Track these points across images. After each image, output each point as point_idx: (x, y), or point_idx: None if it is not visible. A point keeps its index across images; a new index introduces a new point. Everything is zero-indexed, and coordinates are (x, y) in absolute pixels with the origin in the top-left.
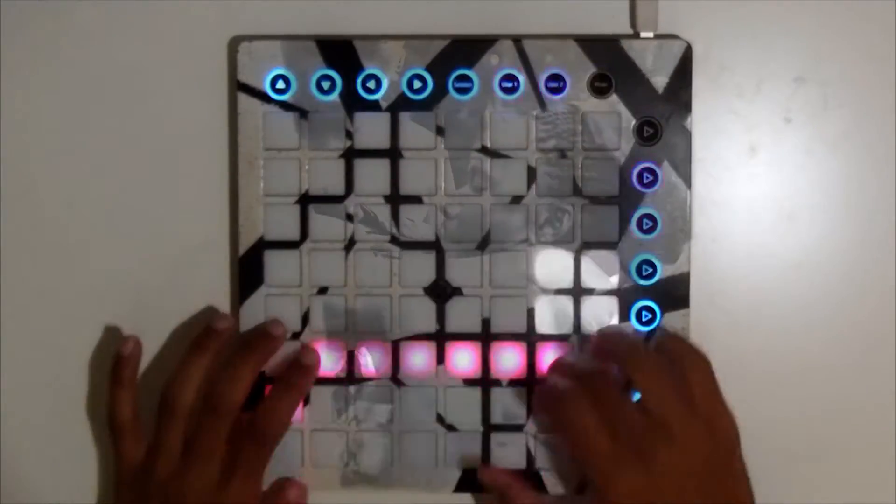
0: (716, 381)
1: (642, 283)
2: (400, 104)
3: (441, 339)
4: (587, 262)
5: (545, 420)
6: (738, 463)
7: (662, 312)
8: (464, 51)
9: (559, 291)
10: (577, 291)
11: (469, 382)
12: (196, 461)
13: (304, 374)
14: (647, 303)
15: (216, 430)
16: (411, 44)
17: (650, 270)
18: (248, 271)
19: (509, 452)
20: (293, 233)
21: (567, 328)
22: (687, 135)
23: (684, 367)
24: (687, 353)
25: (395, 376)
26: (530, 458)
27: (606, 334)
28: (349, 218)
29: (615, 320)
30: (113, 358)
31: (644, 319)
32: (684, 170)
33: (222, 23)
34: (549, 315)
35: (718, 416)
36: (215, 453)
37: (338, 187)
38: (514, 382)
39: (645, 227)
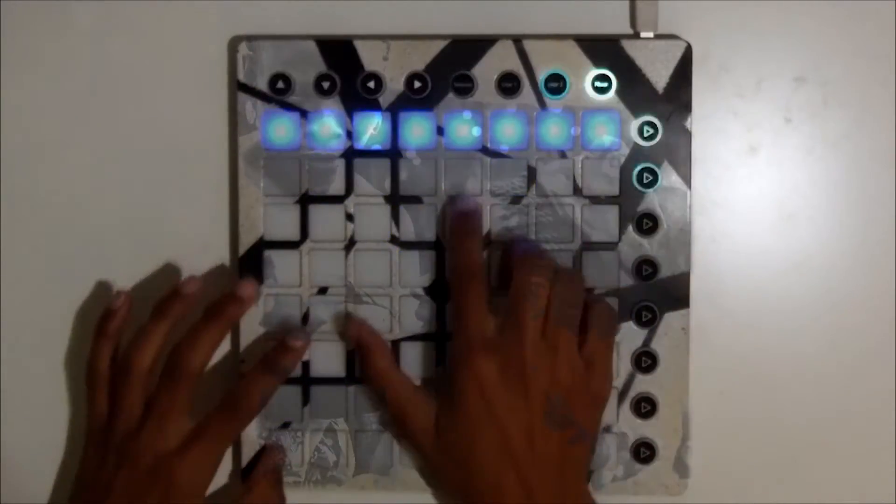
0: (613, 336)
1: (642, 283)
2: (400, 104)
3: (441, 339)
4: (587, 262)
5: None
6: (598, 412)
7: (662, 312)
8: (464, 51)
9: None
10: None
11: None
12: (153, 422)
13: (236, 307)
14: (647, 303)
15: (175, 393)
16: (411, 44)
17: (650, 270)
18: (248, 271)
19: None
20: (293, 233)
21: None
22: (687, 135)
23: (595, 318)
24: (606, 310)
25: None
26: None
27: (532, 246)
28: (349, 218)
29: (615, 320)
30: (102, 311)
31: (644, 319)
32: (684, 170)
33: (222, 23)
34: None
35: (600, 367)
36: (172, 416)
37: (338, 187)
38: None
39: (645, 227)
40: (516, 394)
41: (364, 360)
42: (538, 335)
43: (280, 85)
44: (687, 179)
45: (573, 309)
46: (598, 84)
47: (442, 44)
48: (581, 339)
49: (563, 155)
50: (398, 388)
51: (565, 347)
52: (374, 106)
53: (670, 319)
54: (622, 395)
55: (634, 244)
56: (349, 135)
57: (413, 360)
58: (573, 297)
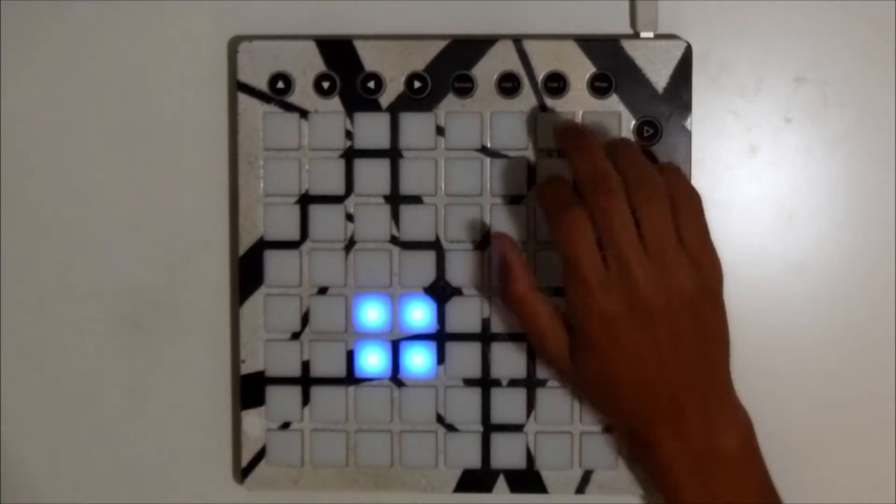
0: (706, 222)
1: None
2: (400, 104)
3: (441, 339)
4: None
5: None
6: (719, 304)
7: None
8: (464, 51)
9: (559, 291)
10: None
11: (469, 382)
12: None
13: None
14: None
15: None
16: (411, 44)
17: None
18: (248, 271)
19: (509, 452)
20: (293, 233)
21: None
22: (687, 135)
23: (678, 202)
24: (684, 189)
25: (395, 376)
26: (530, 458)
27: (614, 144)
28: (349, 218)
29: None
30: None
31: None
32: (684, 170)
33: (222, 23)
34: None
35: (706, 255)
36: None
37: (338, 187)
38: (514, 382)
39: None
40: (644, 321)
41: (504, 279)
42: (644, 260)
43: (280, 85)
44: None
45: (664, 223)
46: (598, 84)
47: (442, 44)
48: (677, 228)
49: (563, 155)
50: (535, 316)
51: (672, 258)
52: (374, 106)
53: None
54: None
55: None
56: (349, 135)
57: (413, 360)
58: (659, 209)
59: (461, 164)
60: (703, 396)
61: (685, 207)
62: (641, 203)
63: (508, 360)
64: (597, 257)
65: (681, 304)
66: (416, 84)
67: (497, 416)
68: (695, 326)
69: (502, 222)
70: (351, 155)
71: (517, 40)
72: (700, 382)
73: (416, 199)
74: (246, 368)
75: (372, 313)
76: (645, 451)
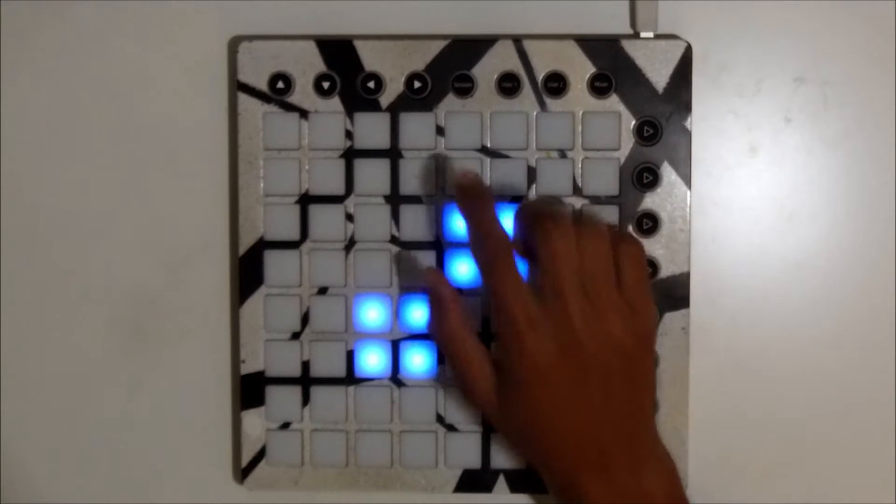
0: (645, 269)
1: None
2: (400, 104)
3: None
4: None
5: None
6: (651, 352)
7: (662, 312)
8: (464, 51)
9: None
10: None
11: None
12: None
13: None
14: None
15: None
16: (411, 44)
17: (650, 270)
18: (248, 271)
19: (509, 452)
20: (293, 233)
21: None
22: (687, 135)
23: (618, 247)
24: (623, 235)
25: (395, 376)
26: None
27: (544, 207)
28: (349, 218)
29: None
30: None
31: None
32: (684, 170)
33: (222, 23)
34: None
35: (642, 301)
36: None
37: (338, 187)
38: None
39: (645, 227)
40: (574, 365)
41: (437, 313)
42: (580, 297)
43: (280, 85)
44: (687, 179)
45: (605, 262)
46: (598, 84)
47: (442, 44)
48: (616, 272)
49: (563, 155)
50: (464, 352)
51: (609, 303)
52: (374, 106)
53: (670, 319)
54: None
55: None
56: (349, 135)
57: (413, 360)
58: (602, 248)
59: (461, 164)
60: (630, 442)
61: (624, 251)
62: (583, 242)
63: None
64: (526, 295)
65: (613, 348)
66: (416, 84)
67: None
68: (625, 371)
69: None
70: (351, 155)
71: (517, 40)
72: (627, 428)
73: (416, 199)
74: (246, 368)
75: (372, 313)
76: (571, 497)
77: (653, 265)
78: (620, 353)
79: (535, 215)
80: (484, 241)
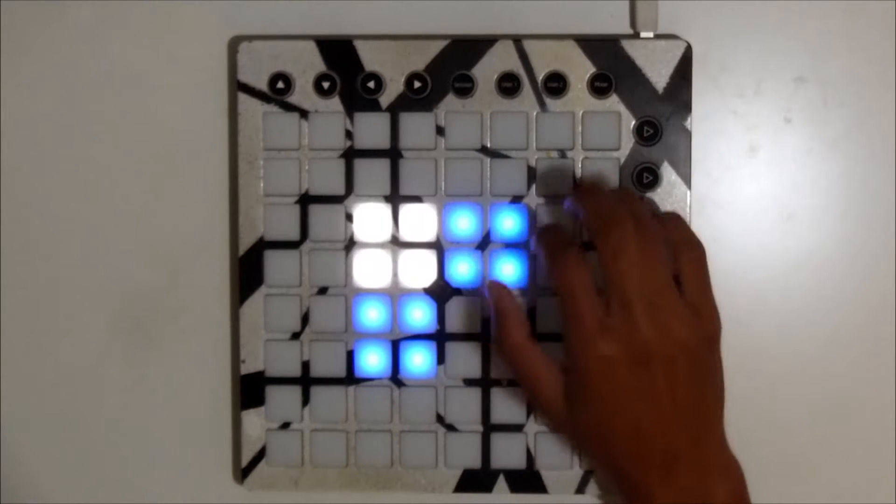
0: (707, 273)
1: None
2: (400, 104)
3: (441, 339)
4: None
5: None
6: (717, 354)
7: None
8: (464, 51)
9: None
10: None
11: (469, 382)
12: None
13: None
14: None
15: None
16: (411, 44)
17: None
18: (248, 271)
19: (509, 452)
20: (293, 233)
21: None
22: (687, 135)
23: (680, 250)
24: (686, 237)
25: (395, 376)
26: (530, 458)
27: (612, 195)
28: (349, 218)
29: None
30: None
31: None
32: (684, 170)
33: (222, 23)
34: (551, 315)
35: (705, 305)
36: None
37: (338, 187)
38: (514, 382)
39: None
40: (641, 368)
41: (498, 327)
42: (646, 305)
43: (280, 85)
44: (687, 179)
45: (666, 268)
46: (598, 84)
47: (442, 44)
48: (678, 276)
49: (563, 155)
50: (530, 362)
51: (672, 306)
52: (374, 106)
53: None
54: None
55: None
56: (349, 135)
57: (413, 360)
58: (662, 254)
59: (461, 164)
60: (697, 446)
61: (686, 255)
62: (644, 249)
63: None
64: (594, 298)
65: (680, 351)
66: (416, 84)
67: (497, 416)
68: (692, 375)
69: (502, 222)
70: (351, 155)
71: (517, 40)
72: (695, 431)
73: (416, 199)
74: (246, 368)
75: (372, 313)
76: (638, 500)
77: None
78: (686, 355)
79: (597, 216)
80: (550, 243)
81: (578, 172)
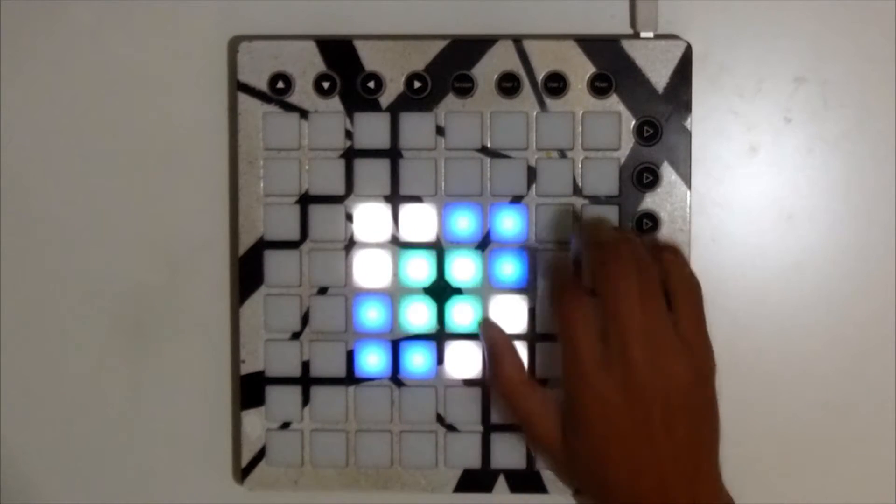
0: (703, 311)
1: None
2: (400, 104)
3: (441, 339)
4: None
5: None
6: (711, 391)
7: None
8: (464, 51)
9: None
10: None
11: (469, 382)
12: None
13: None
14: None
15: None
16: (411, 44)
17: None
18: (248, 271)
19: (509, 452)
20: (293, 233)
21: None
22: (687, 135)
23: (676, 288)
24: (684, 274)
25: (395, 376)
26: (530, 458)
27: (614, 238)
28: (349, 218)
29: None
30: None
31: None
32: (684, 170)
33: (222, 23)
34: (550, 315)
35: (700, 342)
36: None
37: (338, 187)
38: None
39: (645, 227)
40: (637, 404)
41: (494, 367)
42: (643, 344)
43: (280, 85)
44: (687, 179)
45: (664, 306)
46: (598, 84)
47: (442, 44)
48: (671, 317)
49: (563, 155)
50: (526, 400)
51: (668, 343)
52: (374, 106)
53: None
54: None
55: None
56: (349, 135)
57: (413, 360)
58: (660, 292)
59: (461, 164)
60: (691, 483)
61: (682, 293)
62: (644, 288)
63: None
64: (594, 337)
65: (675, 389)
66: (416, 84)
67: (497, 416)
68: (687, 412)
69: (502, 222)
70: (351, 155)
71: (517, 40)
72: (689, 469)
73: (416, 199)
74: (246, 368)
75: (372, 313)
76: None
77: None
78: (681, 391)
79: (600, 260)
80: (556, 285)
81: (579, 172)
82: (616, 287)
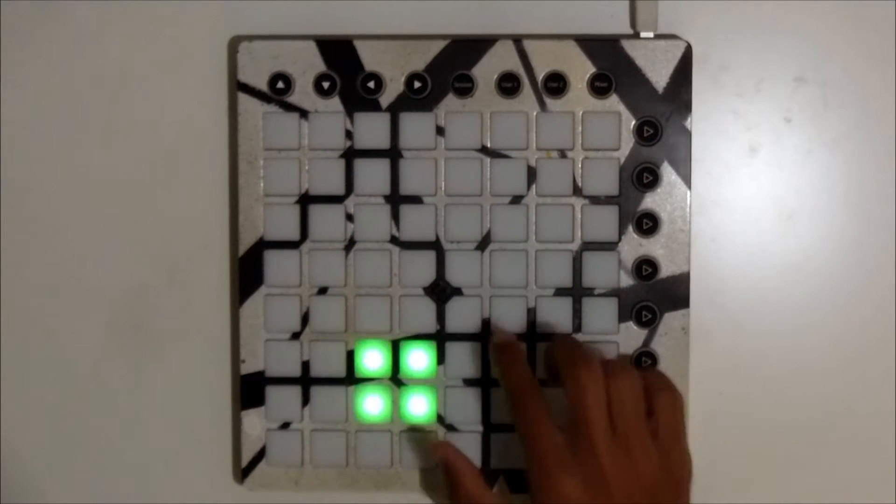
0: (682, 418)
1: (642, 283)
2: (400, 104)
3: (441, 339)
4: (587, 262)
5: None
6: (683, 499)
7: (662, 312)
8: (464, 51)
9: (559, 291)
10: (577, 291)
11: (469, 382)
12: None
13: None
14: (647, 303)
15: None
16: (411, 44)
17: (650, 270)
18: (248, 271)
19: (509, 452)
20: (293, 233)
21: (567, 328)
22: (687, 135)
23: (657, 394)
24: (663, 384)
25: (396, 376)
26: None
27: (574, 346)
28: (349, 218)
29: (615, 320)
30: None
31: (644, 319)
32: (684, 170)
33: (222, 23)
34: (549, 315)
35: (676, 451)
36: None
37: (338, 187)
38: None
39: (645, 227)
40: (601, 501)
41: (452, 481)
42: (608, 437)
43: (280, 85)
44: (687, 179)
45: (634, 401)
46: (598, 84)
47: (442, 44)
48: (650, 423)
49: (563, 155)
50: None
51: (638, 442)
52: (374, 106)
53: (670, 319)
54: None
55: (634, 244)
56: (349, 135)
57: (413, 360)
58: (630, 388)
59: (461, 164)
60: None
61: (663, 398)
62: (612, 384)
63: None
64: (556, 436)
65: (640, 488)
66: (416, 84)
67: (497, 416)
68: None
69: (502, 222)
70: (351, 155)
71: (517, 40)
72: None
73: (416, 199)
74: (246, 368)
75: (372, 314)
76: None
77: (653, 265)
78: (648, 493)
79: (565, 357)
80: (514, 390)
81: (579, 172)
82: (579, 380)
